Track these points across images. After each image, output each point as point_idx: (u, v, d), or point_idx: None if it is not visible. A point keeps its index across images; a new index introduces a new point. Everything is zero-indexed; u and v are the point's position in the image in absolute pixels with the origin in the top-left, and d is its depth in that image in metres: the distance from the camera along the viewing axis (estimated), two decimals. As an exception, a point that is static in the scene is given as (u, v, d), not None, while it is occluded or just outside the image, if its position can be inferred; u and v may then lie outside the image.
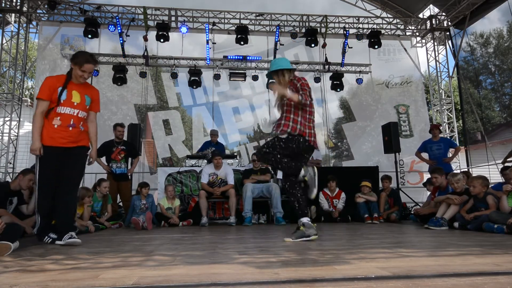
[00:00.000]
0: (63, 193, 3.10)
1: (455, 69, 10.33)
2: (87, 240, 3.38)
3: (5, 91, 9.33)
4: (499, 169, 5.78)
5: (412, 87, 10.94)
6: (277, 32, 9.68)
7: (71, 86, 3.15)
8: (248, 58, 10.11)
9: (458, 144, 8.31)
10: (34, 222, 4.19)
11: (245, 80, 10.33)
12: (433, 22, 10.51)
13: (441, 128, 10.21)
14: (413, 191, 8.07)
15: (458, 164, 9.50)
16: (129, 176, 6.15)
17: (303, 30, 9.97)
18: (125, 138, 6.30)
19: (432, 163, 6.30)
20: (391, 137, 7.48)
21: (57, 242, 2.96)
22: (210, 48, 9.69)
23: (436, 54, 10.79)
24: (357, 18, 10.39)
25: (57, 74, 3.28)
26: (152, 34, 9.44)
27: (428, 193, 6.16)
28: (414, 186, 9.46)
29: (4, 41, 9.06)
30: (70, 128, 3.14)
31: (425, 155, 6.69)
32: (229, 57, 10.13)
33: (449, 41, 10.37)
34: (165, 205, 5.43)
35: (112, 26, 9.17)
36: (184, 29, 9.49)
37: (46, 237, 3.08)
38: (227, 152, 10.28)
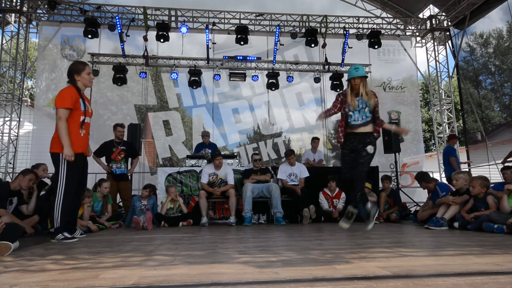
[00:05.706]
0: (78, 197, 3.54)
1: (455, 69, 10.33)
2: (87, 240, 3.38)
3: (5, 91, 9.32)
4: (499, 169, 5.77)
5: (409, 90, 10.91)
6: (277, 32, 9.65)
7: (83, 97, 3.46)
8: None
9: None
10: (35, 222, 4.23)
11: (245, 80, 10.31)
12: (433, 22, 10.51)
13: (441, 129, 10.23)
14: (406, 192, 8.04)
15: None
16: (129, 176, 6.14)
17: (303, 30, 9.96)
18: (125, 138, 6.30)
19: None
20: (391, 137, 7.47)
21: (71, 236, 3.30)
22: (210, 48, 9.69)
23: (436, 54, 10.79)
24: (357, 18, 10.39)
25: (67, 87, 3.43)
26: (152, 34, 9.43)
27: (427, 194, 6.15)
28: (406, 187, 9.43)
29: (4, 41, 9.07)
30: (87, 136, 3.52)
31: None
32: (225, 57, 10.08)
33: (449, 41, 10.37)
34: (167, 205, 5.42)
35: (112, 27, 9.17)
36: (184, 29, 9.47)
37: (60, 235, 3.23)
38: (227, 152, 10.29)
